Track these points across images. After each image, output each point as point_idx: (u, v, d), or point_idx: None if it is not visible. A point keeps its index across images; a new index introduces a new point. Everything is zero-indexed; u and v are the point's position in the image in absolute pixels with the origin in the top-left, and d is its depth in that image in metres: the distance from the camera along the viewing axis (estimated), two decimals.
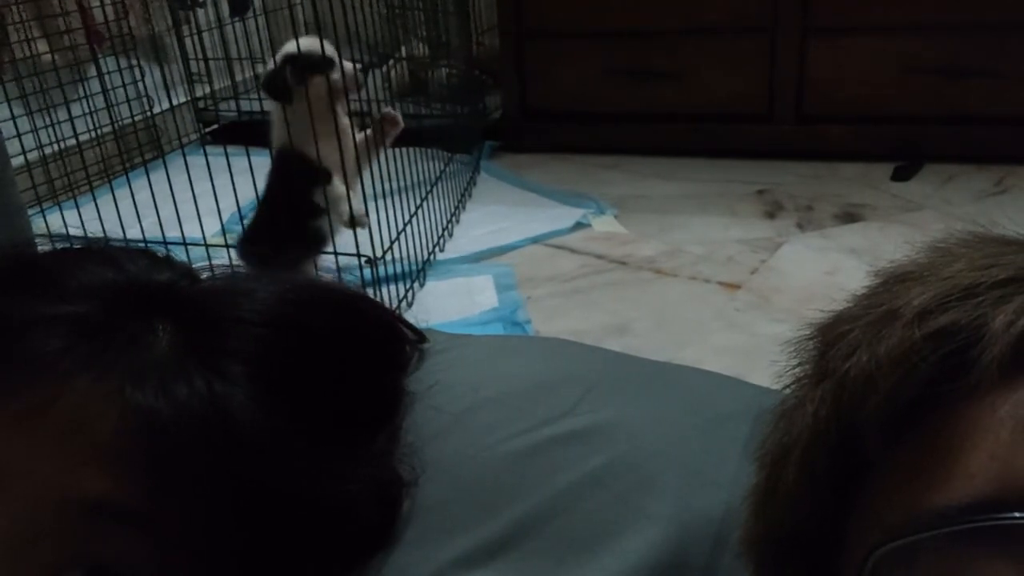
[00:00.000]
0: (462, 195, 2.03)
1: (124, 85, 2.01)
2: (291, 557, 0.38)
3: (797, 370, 0.34)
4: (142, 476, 0.35)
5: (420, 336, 0.52)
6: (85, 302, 0.38)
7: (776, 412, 0.34)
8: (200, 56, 2.40)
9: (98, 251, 0.42)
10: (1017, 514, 0.26)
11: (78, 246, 0.43)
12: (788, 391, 0.34)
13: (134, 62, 1.95)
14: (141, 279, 0.40)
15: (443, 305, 1.54)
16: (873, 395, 0.30)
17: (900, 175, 1.99)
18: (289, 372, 0.40)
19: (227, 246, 1.50)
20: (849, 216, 1.83)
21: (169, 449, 0.36)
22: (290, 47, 1.52)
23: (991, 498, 0.27)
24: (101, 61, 1.98)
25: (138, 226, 1.40)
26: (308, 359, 0.41)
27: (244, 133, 1.74)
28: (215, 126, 2.45)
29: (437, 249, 1.77)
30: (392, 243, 1.55)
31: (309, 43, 1.51)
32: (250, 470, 0.37)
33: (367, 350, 0.45)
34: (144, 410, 0.36)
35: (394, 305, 1.46)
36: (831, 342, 0.33)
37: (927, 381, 0.29)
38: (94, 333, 0.37)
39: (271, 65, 1.55)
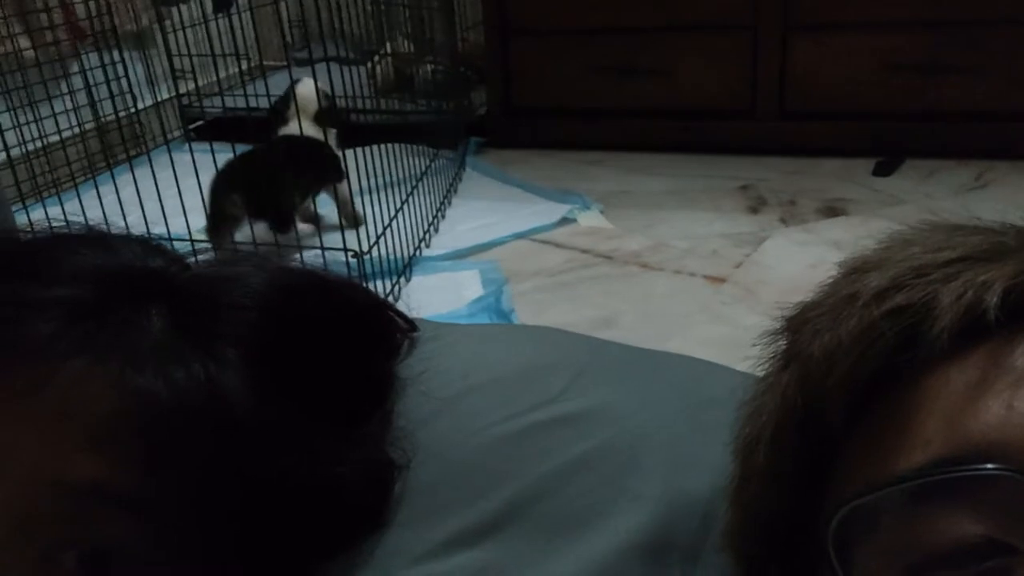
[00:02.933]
0: (447, 191, 2.03)
1: (108, 81, 2.00)
2: (284, 538, 0.39)
3: (767, 364, 0.36)
4: (138, 459, 0.36)
5: (411, 324, 0.53)
6: (79, 285, 0.38)
7: (747, 403, 0.36)
8: (184, 52, 2.38)
9: (91, 236, 0.42)
10: (968, 467, 0.27)
11: (72, 232, 0.43)
12: (759, 383, 0.36)
13: (117, 58, 1.94)
14: (135, 264, 0.41)
15: (430, 300, 1.55)
16: (836, 371, 0.31)
17: (881, 170, 2.01)
18: (281, 356, 0.40)
19: (213, 241, 1.50)
20: (831, 211, 1.85)
21: (166, 432, 0.36)
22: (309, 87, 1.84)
23: (945, 458, 0.28)
24: (84, 57, 1.97)
25: (123, 222, 1.39)
26: (300, 343, 0.41)
27: (228, 129, 1.74)
28: (199, 122, 2.44)
29: (423, 244, 1.77)
30: (379, 238, 1.56)
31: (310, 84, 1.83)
32: (244, 453, 0.37)
33: (357, 335, 0.46)
34: (142, 392, 0.36)
35: None
36: (796, 330, 0.34)
37: (885, 355, 0.31)
38: (88, 315, 0.37)
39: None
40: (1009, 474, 0.27)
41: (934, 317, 0.30)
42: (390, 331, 0.50)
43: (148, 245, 0.43)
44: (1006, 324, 0.29)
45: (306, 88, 1.83)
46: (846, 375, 0.31)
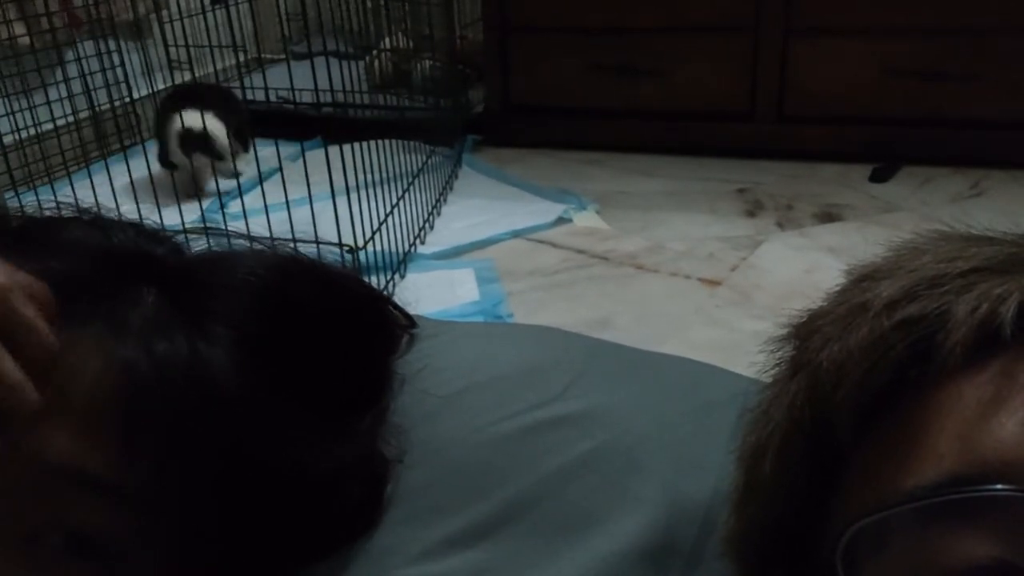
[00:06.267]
0: (443, 188, 2.02)
1: (104, 70, 1.98)
2: (271, 531, 0.38)
3: (775, 371, 0.35)
4: (118, 439, 0.35)
5: (410, 321, 0.52)
6: (71, 260, 0.37)
7: (753, 411, 0.35)
8: (180, 43, 2.37)
9: (86, 218, 0.42)
10: (982, 487, 0.27)
11: (68, 214, 0.42)
12: (766, 391, 0.35)
13: (112, 47, 1.93)
14: (128, 246, 0.40)
15: (424, 297, 1.54)
16: (845, 383, 0.31)
17: (878, 176, 2.01)
18: (273, 340, 0.39)
19: (206, 232, 1.49)
20: (828, 216, 1.85)
21: (148, 405, 0.35)
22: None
23: (958, 475, 0.28)
24: (79, 45, 1.95)
25: (116, 211, 1.39)
26: (292, 328, 0.40)
27: None
28: None
29: (418, 242, 1.77)
30: (374, 234, 1.55)
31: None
32: (227, 434, 0.36)
33: (353, 326, 0.45)
34: (123, 364, 0.35)
35: None
36: (805, 338, 0.34)
37: (896, 367, 0.30)
38: (79, 290, 0.36)
39: None
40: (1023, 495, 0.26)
41: (948, 330, 0.29)
42: (388, 326, 0.49)
43: (142, 229, 0.43)
44: (1021, 338, 0.29)
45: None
46: (855, 387, 0.31)
